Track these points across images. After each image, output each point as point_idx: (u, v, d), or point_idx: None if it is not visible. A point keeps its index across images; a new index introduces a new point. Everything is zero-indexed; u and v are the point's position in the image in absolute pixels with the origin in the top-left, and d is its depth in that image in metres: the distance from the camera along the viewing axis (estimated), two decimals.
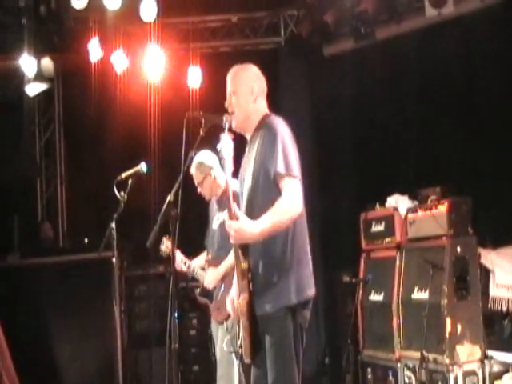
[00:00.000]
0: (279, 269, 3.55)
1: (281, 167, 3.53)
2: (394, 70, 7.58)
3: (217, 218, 5.39)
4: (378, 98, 7.75)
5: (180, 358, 4.21)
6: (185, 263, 5.48)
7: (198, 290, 5.49)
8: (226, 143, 3.60)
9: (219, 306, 5.20)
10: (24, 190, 8.73)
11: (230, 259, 5.08)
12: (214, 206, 5.49)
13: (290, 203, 3.50)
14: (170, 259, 5.39)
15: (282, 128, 3.68)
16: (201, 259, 5.62)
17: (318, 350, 7.95)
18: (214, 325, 5.44)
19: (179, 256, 5.42)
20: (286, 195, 3.51)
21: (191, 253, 5.65)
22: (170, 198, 3.77)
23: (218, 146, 3.62)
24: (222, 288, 5.23)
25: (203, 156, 5.29)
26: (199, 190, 5.43)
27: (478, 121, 6.80)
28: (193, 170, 5.38)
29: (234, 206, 3.52)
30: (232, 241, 3.55)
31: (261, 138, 3.67)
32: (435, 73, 7.20)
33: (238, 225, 3.44)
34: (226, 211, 5.15)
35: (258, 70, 3.90)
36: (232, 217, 3.50)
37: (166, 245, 5.47)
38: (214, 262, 5.33)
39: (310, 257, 3.68)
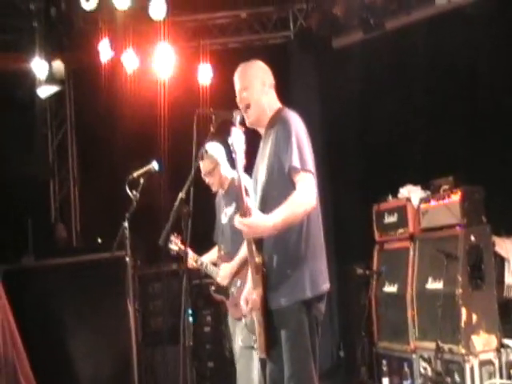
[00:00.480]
0: (293, 263, 3.53)
1: (296, 162, 3.51)
2: (404, 60, 7.54)
3: (224, 213, 5.34)
4: (388, 89, 7.71)
5: (194, 355, 4.23)
6: (196, 260, 5.44)
7: (213, 287, 5.43)
8: (237, 137, 3.59)
9: (236, 302, 5.13)
10: (37, 192, 8.76)
11: (243, 253, 5.06)
12: (221, 200, 5.45)
13: (304, 197, 3.48)
14: (180, 257, 5.41)
15: (296, 122, 3.66)
16: (212, 254, 5.57)
17: (333, 343, 7.93)
18: (231, 321, 5.37)
19: (189, 254, 5.35)
20: (300, 189, 3.49)
21: (200, 248, 5.64)
22: (181, 195, 3.75)
23: (229, 140, 3.61)
24: (238, 283, 5.15)
25: (212, 146, 5.25)
26: (207, 180, 5.37)
27: (490, 109, 6.74)
28: (201, 161, 5.36)
29: (246, 199, 3.50)
30: (244, 236, 3.53)
31: (275, 132, 3.66)
32: (445, 62, 7.15)
33: (250, 220, 3.42)
34: (233, 205, 5.18)
35: (264, 64, 3.88)
36: (245, 211, 3.47)
37: (174, 242, 5.44)
38: (227, 257, 5.31)
39: (324, 251, 3.66)
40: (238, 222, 3.45)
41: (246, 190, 3.68)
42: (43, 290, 6.86)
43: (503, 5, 6.57)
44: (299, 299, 3.51)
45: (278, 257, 3.56)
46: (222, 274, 5.26)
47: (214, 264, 5.44)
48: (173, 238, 5.38)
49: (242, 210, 3.50)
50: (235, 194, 5.12)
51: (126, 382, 5.87)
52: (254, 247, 3.58)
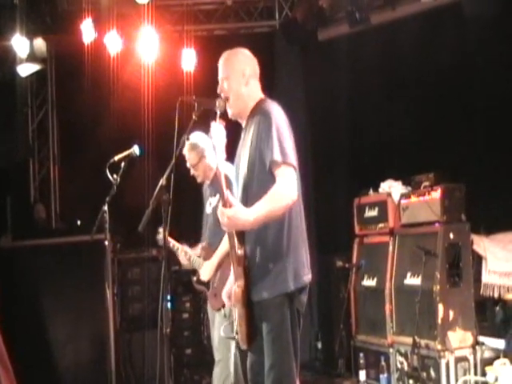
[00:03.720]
0: (276, 255, 3.53)
1: (277, 155, 3.49)
2: (389, 55, 7.55)
3: (209, 202, 5.38)
4: (373, 84, 7.73)
5: (172, 342, 4.22)
6: (181, 250, 5.44)
7: (195, 278, 5.45)
8: (217, 130, 3.58)
9: (216, 292, 5.17)
10: (17, 172, 8.67)
11: (223, 248, 5.08)
12: (206, 190, 5.47)
13: (285, 191, 3.47)
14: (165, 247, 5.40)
15: (278, 114, 3.64)
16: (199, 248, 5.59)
17: (311, 334, 7.98)
18: (210, 311, 5.43)
19: (176, 245, 5.41)
20: (281, 183, 3.48)
21: (185, 237, 5.63)
22: (162, 182, 3.74)
23: (209, 135, 3.60)
24: (218, 275, 5.21)
25: (197, 137, 5.24)
26: (192, 171, 5.37)
27: (474, 107, 6.78)
28: (186, 152, 5.32)
29: (227, 192, 3.49)
30: (224, 228, 3.52)
31: (256, 124, 3.63)
32: (430, 58, 7.17)
33: (232, 212, 3.41)
34: (218, 196, 5.17)
35: (249, 53, 3.85)
36: (225, 203, 3.47)
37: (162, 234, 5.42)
38: (208, 250, 5.30)
39: (306, 243, 3.67)
40: (220, 211, 3.45)
41: (228, 183, 3.68)
42: (21, 271, 6.84)
43: (489, 2, 6.58)
44: (282, 292, 3.51)
45: (260, 249, 3.56)
46: (204, 271, 5.29)
47: (199, 256, 5.44)
48: (160, 230, 5.34)
49: (224, 202, 3.50)
50: (220, 185, 5.15)
51: (102, 365, 5.88)
52: (235, 239, 3.57)
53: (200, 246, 5.49)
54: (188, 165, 5.33)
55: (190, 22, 8.44)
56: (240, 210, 3.43)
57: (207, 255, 5.31)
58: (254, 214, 3.41)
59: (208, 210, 5.37)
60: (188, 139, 5.03)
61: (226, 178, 3.69)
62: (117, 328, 7.06)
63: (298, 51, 8.56)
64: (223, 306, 5.04)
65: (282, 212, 3.48)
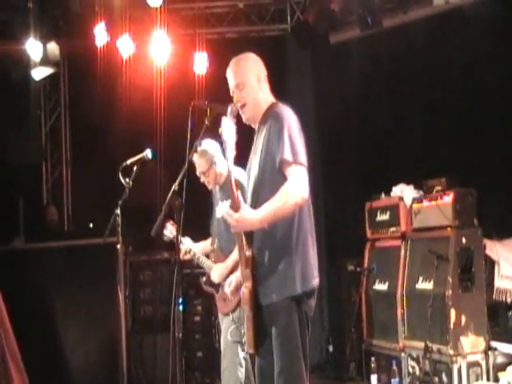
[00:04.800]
0: (284, 257, 3.52)
1: (287, 154, 3.50)
2: (401, 58, 7.53)
3: (220, 208, 5.37)
4: (384, 87, 7.72)
5: (184, 345, 4.24)
6: (189, 252, 5.43)
7: (204, 279, 5.45)
8: (227, 127, 3.58)
9: (225, 297, 5.16)
10: (29, 174, 8.72)
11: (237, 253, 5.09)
12: (216, 194, 5.46)
13: (294, 189, 3.47)
14: (173, 244, 5.40)
15: (289, 116, 3.65)
16: (207, 244, 5.56)
17: (322, 338, 7.97)
18: (219, 315, 5.43)
19: (188, 244, 5.39)
20: (292, 181, 3.49)
21: (194, 239, 5.63)
22: (174, 187, 3.76)
23: (220, 130, 3.60)
24: (229, 280, 5.20)
25: (207, 144, 5.24)
26: (202, 179, 5.37)
27: (486, 111, 6.76)
28: (196, 159, 5.30)
29: (237, 192, 3.49)
30: (232, 230, 3.53)
31: (268, 126, 3.64)
32: (442, 62, 7.16)
33: (238, 214, 3.43)
34: (228, 201, 5.17)
35: (256, 56, 3.85)
36: (235, 203, 3.48)
37: (170, 230, 5.41)
38: (220, 254, 5.29)
39: (315, 245, 3.66)
40: (227, 214, 3.47)
41: (237, 183, 3.68)
42: (33, 273, 6.84)
43: (501, 7, 6.57)
44: (289, 295, 3.51)
45: (268, 251, 3.55)
46: (216, 272, 5.26)
47: (207, 256, 5.44)
48: (169, 225, 5.36)
49: (232, 204, 3.51)
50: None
51: (114, 368, 5.90)
52: (244, 241, 3.58)
53: (207, 241, 5.50)
54: (198, 172, 5.29)
55: (202, 25, 8.50)
56: (247, 212, 3.44)
57: (218, 259, 5.30)
58: (260, 215, 3.43)
59: (218, 214, 5.35)
60: (200, 144, 5.10)
61: (237, 181, 3.70)
62: (128, 330, 7.07)
63: (309, 54, 8.56)
64: (232, 310, 5.05)
65: (291, 210, 3.48)
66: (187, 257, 5.40)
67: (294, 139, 3.55)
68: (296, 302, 3.52)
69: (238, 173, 4.59)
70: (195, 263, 5.57)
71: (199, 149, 5.26)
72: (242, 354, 5.00)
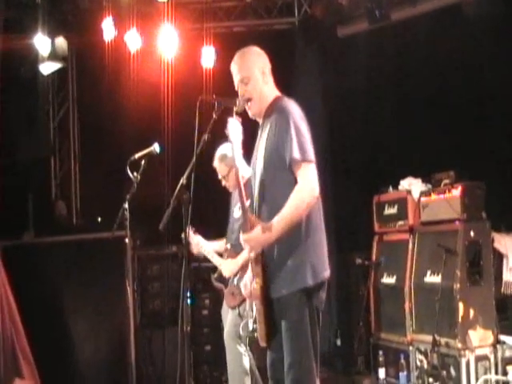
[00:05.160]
0: (294, 251, 3.54)
1: (296, 153, 3.52)
2: (408, 51, 7.52)
3: (238, 206, 5.32)
4: (392, 80, 7.71)
5: (192, 339, 4.26)
6: (202, 248, 5.44)
7: (215, 275, 5.47)
8: (233, 127, 3.59)
9: (233, 291, 5.21)
10: (38, 169, 8.75)
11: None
12: (234, 194, 5.47)
13: (306, 192, 3.50)
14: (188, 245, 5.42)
15: (294, 110, 3.66)
16: (220, 243, 5.58)
17: (330, 331, 7.96)
18: (224, 309, 5.45)
19: (200, 241, 5.42)
20: (303, 182, 3.51)
21: (202, 232, 5.64)
22: (182, 181, 3.77)
23: (226, 131, 3.61)
24: (239, 274, 5.23)
25: (226, 149, 5.24)
26: (224, 182, 5.40)
27: (494, 104, 6.73)
28: (216, 164, 5.37)
29: (248, 210, 3.56)
30: (251, 251, 3.57)
31: (272, 122, 3.65)
32: (449, 55, 7.12)
33: (254, 237, 3.48)
34: (248, 201, 5.18)
35: (260, 49, 3.86)
36: (247, 223, 3.52)
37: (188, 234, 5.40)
38: (233, 250, 5.31)
39: (325, 239, 3.68)
40: (243, 239, 3.53)
41: (247, 184, 3.70)
42: (42, 267, 6.87)
43: (509, 1, 6.53)
44: (300, 287, 3.53)
45: (278, 246, 3.56)
46: (227, 267, 5.30)
47: (220, 254, 5.46)
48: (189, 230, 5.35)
49: (245, 225, 3.55)
50: (250, 191, 5.16)
51: (122, 362, 5.92)
52: None
53: (221, 241, 5.52)
54: (219, 176, 5.37)
55: (209, 19, 8.47)
56: (260, 234, 3.47)
57: (231, 256, 5.34)
58: (275, 232, 3.46)
59: (237, 214, 5.36)
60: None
61: (246, 185, 3.72)
62: (137, 324, 7.09)
63: (317, 48, 8.53)
64: (239, 304, 5.08)
65: (305, 213, 3.51)
66: (196, 250, 5.41)
67: (300, 135, 3.56)
68: (307, 296, 3.54)
69: (245, 170, 4.61)
70: (202, 257, 5.59)
71: (219, 154, 5.30)
72: (243, 349, 5.04)
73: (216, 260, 5.42)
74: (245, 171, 4.25)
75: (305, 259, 3.54)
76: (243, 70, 3.76)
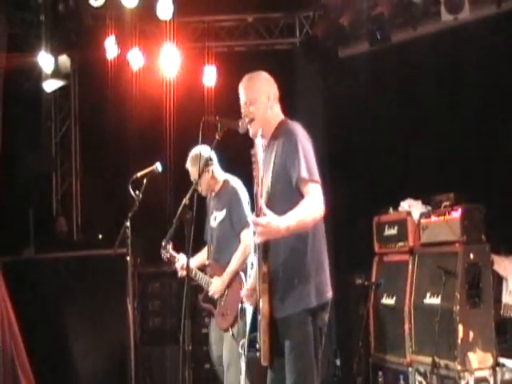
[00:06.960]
0: (300, 272, 3.58)
1: (304, 173, 3.57)
2: (409, 73, 7.59)
3: (214, 216, 5.32)
4: (392, 101, 7.75)
5: (192, 357, 4.26)
6: (185, 268, 5.35)
7: (202, 296, 5.41)
8: (258, 148, 3.64)
9: (223, 312, 5.15)
10: (39, 185, 8.78)
11: (233, 265, 5.10)
12: (210, 202, 5.42)
13: (314, 205, 3.53)
14: (171, 263, 5.41)
15: (301, 133, 3.73)
16: (203, 255, 5.48)
17: (330, 351, 7.95)
18: (213, 329, 5.38)
19: (183, 260, 5.31)
20: (310, 198, 3.54)
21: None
22: (185, 201, 3.80)
23: (252, 151, 3.64)
24: (226, 293, 5.19)
25: (198, 150, 5.01)
26: (194, 185, 5.33)
27: (495, 127, 6.78)
28: (188, 166, 5.30)
29: (261, 201, 3.53)
30: (257, 238, 3.52)
31: (280, 144, 3.71)
32: (450, 77, 7.19)
33: (266, 220, 3.42)
34: (223, 211, 5.16)
35: (269, 76, 3.92)
36: (259, 211, 3.51)
37: (167, 249, 5.35)
38: (215, 264, 5.27)
39: (327, 260, 3.72)
40: (253, 221, 3.48)
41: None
42: (43, 283, 6.90)
43: (509, 24, 6.60)
44: (305, 307, 3.56)
45: (284, 266, 3.61)
46: (214, 288, 5.22)
47: (203, 270, 5.39)
48: (167, 245, 5.29)
49: (257, 211, 3.54)
50: (228, 199, 5.15)
51: (122, 379, 5.93)
52: (260, 256, 3.62)
53: (203, 252, 5.46)
54: (192, 179, 5.23)
55: (211, 38, 8.56)
56: (273, 218, 3.43)
57: (214, 271, 5.27)
58: (286, 223, 3.43)
59: (213, 223, 5.33)
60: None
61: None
62: (137, 341, 7.10)
63: (318, 68, 8.60)
64: (231, 325, 5.05)
65: (311, 224, 3.54)
66: (183, 273, 5.31)
67: (308, 157, 3.63)
68: (311, 316, 3.58)
69: (236, 182, 4.60)
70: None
71: (191, 155, 5.26)
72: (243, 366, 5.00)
73: (203, 280, 5.33)
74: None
75: (310, 280, 3.58)
76: (249, 92, 3.83)
